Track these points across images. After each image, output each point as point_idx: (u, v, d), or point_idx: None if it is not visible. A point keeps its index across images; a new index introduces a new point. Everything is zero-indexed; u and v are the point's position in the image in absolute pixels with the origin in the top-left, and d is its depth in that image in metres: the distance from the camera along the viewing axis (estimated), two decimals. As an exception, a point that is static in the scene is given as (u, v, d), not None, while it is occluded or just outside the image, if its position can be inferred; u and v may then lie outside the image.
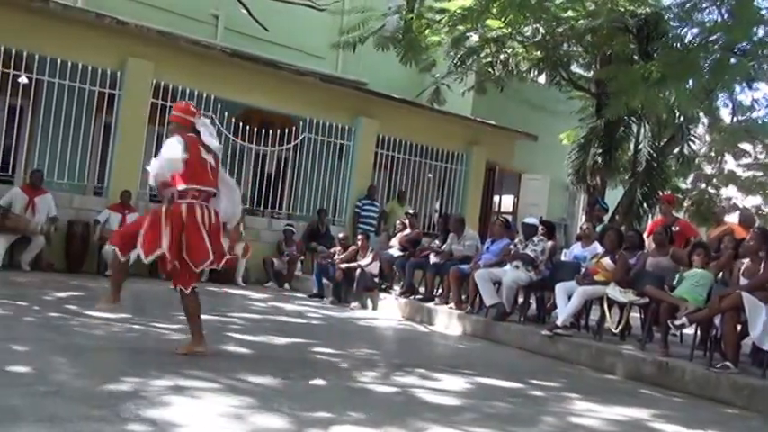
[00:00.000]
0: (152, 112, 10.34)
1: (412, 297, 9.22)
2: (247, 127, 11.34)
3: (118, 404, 3.35)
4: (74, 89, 9.67)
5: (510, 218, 12.14)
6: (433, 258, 9.19)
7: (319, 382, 4.44)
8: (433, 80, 11.20)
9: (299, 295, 10.16)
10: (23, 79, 9.37)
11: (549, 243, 8.18)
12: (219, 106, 10.86)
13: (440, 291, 9.17)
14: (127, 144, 10.17)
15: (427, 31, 10.69)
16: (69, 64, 9.61)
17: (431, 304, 8.81)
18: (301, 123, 11.94)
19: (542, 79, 13.41)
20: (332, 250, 10.47)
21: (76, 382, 3.72)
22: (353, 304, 9.45)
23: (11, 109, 9.49)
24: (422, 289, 9.44)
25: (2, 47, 9.08)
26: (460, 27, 10.32)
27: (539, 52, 10.89)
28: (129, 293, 8.05)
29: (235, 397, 3.78)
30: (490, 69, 11.36)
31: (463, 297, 8.48)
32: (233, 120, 11.17)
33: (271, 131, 11.54)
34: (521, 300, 8.11)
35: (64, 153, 9.72)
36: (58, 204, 9.34)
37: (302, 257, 11.53)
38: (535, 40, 10.53)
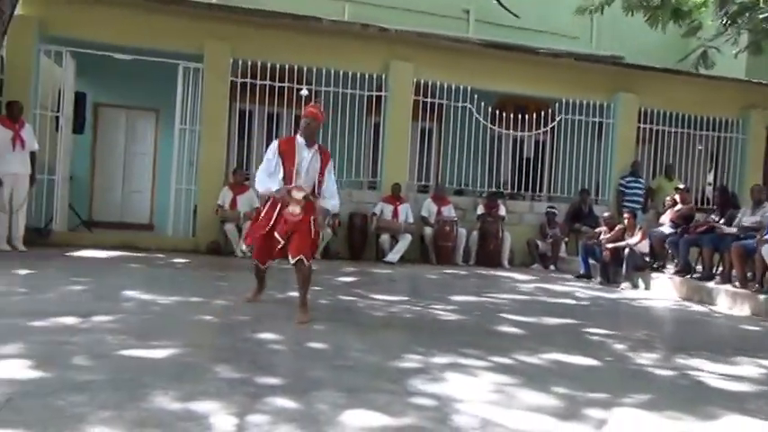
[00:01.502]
0: (414, 108, 11.05)
1: (688, 276, 8.68)
2: (503, 114, 11.53)
3: (404, 379, 3.60)
4: (346, 95, 10.72)
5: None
6: (729, 230, 8.45)
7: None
8: (699, 44, 10.28)
9: (565, 276, 10.08)
10: (304, 92, 10.58)
11: None
12: (476, 96, 11.22)
13: (719, 269, 8.48)
14: (395, 140, 10.99)
15: (689, -6, 9.86)
16: (341, 73, 10.65)
17: (710, 283, 8.21)
18: (557, 105, 11.81)
19: (834, 26, 11.57)
20: (597, 230, 10.23)
21: (367, 358, 4.07)
22: (624, 284, 9.15)
23: (296, 119, 10.79)
24: (698, 267, 8.82)
25: (286, 65, 10.40)
26: (729, -16, 9.37)
27: (829, -3, 9.42)
28: (405, 277, 8.76)
29: (510, 375, 3.85)
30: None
31: (748, 275, 7.78)
32: (489, 108, 11.44)
33: (527, 116, 11.60)
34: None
35: (342, 153, 10.80)
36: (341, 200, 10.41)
37: (566, 239, 11.42)
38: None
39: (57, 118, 9.95)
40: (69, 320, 4.49)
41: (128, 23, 9.90)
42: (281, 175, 5.29)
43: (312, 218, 5.26)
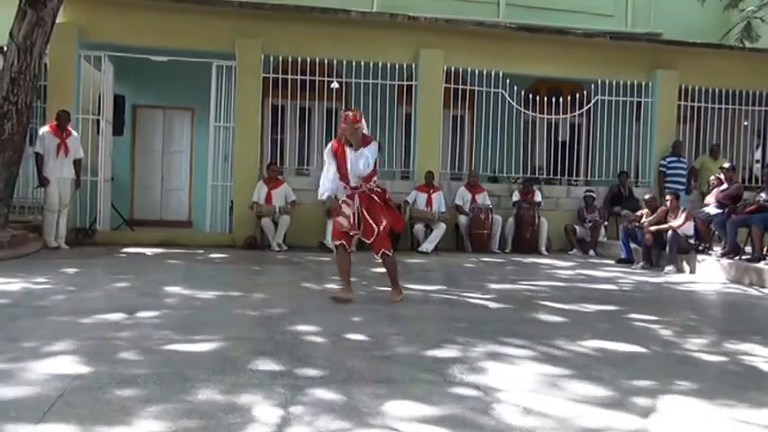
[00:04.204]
0: (445, 96, 10.97)
1: (737, 258, 8.43)
2: (537, 97, 11.38)
3: (443, 368, 3.59)
4: (377, 86, 10.70)
5: None
6: None
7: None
8: (742, 16, 9.92)
9: (605, 262, 9.91)
10: (335, 85, 10.61)
11: None
12: (508, 81, 11.09)
13: (770, 249, 8.25)
14: (426, 129, 10.93)
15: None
16: (371, 64, 10.63)
17: (761, 264, 7.95)
18: (592, 86, 11.59)
19: None
20: (638, 213, 10.02)
21: (405, 349, 4.07)
22: (668, 268, 8.94)
23: (328, 112, 10.87)
24: (747, 248, 8.57)
25: (316, 58, 10.43)
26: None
27: None
28: (441, 266, 8.73)
29: (551, 364, 3.80)
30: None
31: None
32: (522, 93, 11.30)
33: (561, 99, 11.43)
34: None
35: (373, 145, 10.79)
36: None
37: (605, 223, 11.24)
38: None
39: (98, 121, 10.18)
40: (115, 317, 4.61)
41: (161, 26, 10.06)
42: (336, 175, 5.62)
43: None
